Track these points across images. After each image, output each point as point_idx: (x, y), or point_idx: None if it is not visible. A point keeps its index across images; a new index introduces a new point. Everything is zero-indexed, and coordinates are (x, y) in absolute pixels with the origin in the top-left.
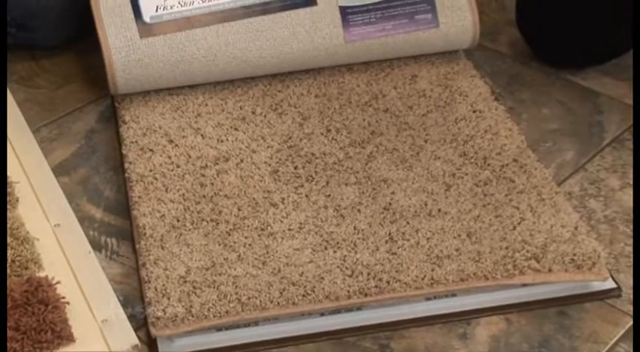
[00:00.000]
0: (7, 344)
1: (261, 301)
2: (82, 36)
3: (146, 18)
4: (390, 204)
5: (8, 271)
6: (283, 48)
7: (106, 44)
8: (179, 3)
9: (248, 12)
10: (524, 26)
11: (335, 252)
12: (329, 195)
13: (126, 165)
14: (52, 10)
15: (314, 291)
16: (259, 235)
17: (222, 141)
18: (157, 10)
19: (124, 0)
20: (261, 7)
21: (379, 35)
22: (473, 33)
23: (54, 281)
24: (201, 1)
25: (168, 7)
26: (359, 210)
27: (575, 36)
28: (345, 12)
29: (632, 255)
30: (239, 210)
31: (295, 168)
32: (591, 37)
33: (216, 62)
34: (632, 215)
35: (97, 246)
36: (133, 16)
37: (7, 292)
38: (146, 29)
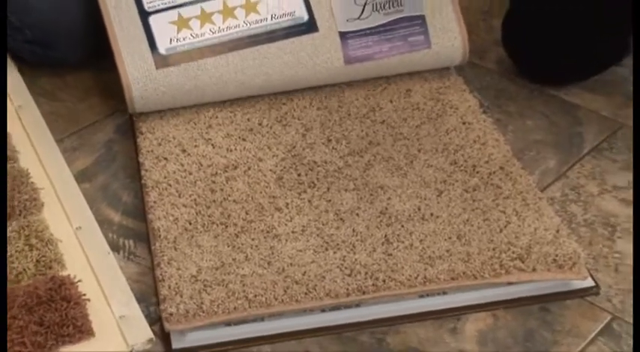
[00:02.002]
0: (32, 338)
1: (266, 298)
2: (101, 54)
3: (161, 50)
4: (386, 208)
5: (34, 270)
6: (288, 72)
7: (124, 75)
8: (191, 35)
9: (255, 41)
10: (509, 46)
11: (335, 252)
12: (329, 200)
13: (142, 173)
14: (74, 31)
15: (315, 289)
16: (265, 237)
17: (231, 150)
18: (170, 42)
19: (139, 33)
20: (267, 36)
21: (376, 57)
22: (462, 51)
23: (76, 280)
24: (211, 33)
25: (181, 39)
26: (357, 214)
27: (556, 55)
28: (344, 37)
29: (609, 256)
30: (246, 213)
31: (298, 175)
32: (572, 56)
33: (227, 88)
34: (609, 218)
35: (115, 247)
36: (149, 48)
37: (32, 290)
38: (161, 60)
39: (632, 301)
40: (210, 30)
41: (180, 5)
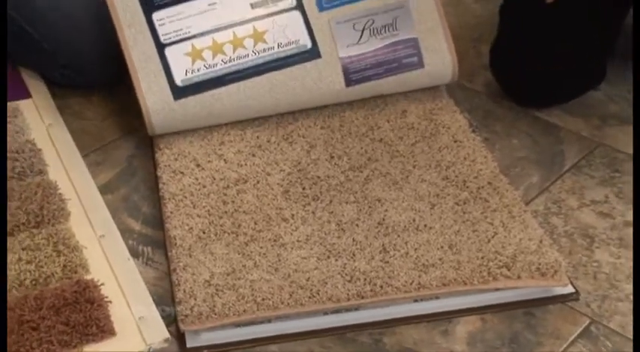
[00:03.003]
0: (59, 337)
1: (273, 302)
2: (124, 77)
3: (178, 81)
4: (383, 219)
5: (61, 274)
6: (294, 96)
7: (144, 105)
8: (204, 66)
9: (263, 69)
10: (496, 70)
11: (336, 260)
12: (332, 212)
13: (160, 185)
14: (100, 58)
15: (318, 294)
16: (272, 246)
17: (241, 165)
18: (186, 74)
19: (157, 66)
20: (275, 64)
21: (374, 78)
22: (452, 70)
23: (99, 283)
24: (222, 63)
25: (196, 70)
26: (357, 225)
27: (540, 80)
28: (344, 61)
29: (588, 264)
30: (255, 224)
31: (303, 188)
32: (554, 81)
33: (239, 112)
34: (588, 230)
35: (135, 254)
36: (166, 80)
37: (60, 292)
38: (179, 92)
39: (609, 306)
40: (222, 60)
41: (194, 36)
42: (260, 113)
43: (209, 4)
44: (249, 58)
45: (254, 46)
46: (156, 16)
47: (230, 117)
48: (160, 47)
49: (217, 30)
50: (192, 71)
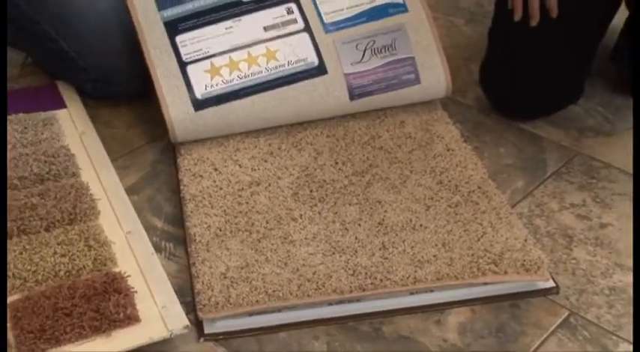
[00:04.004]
0: (90, 323)
1: (283, 293)
2: (149, 90)
3: (198, 95)
4: (383, 220)
5: (92, 266)
6: (303, 108)
7: (168, 116)
8: (222, 81)
9: (275, 84)
10: (486, 86)
11: (340, 256)
12: (336, 213)
13: (181, 187)
14: (129, 72)
15: (324, 286)
16: (282, 242)
17: (255, 169)
18: (205, 88)
19: (180, 81)
20: (286, 79)
21: (375, 93)
22: (446, 85)
23: (125, 275)
24: (238, 78)
25: (214, 85)
26: (359, 225)
27: (525, 95)
28: (348, 77)
29: (567, 262)
30: (267, 222)
31: (311, 191)
32: (537, 97)
33: (252, 123)
34: (567, 231)
35: (158, 249)
36: (187, 94)
37: (90, 283)
38: (199, 104)
39: (586, 299)
40: (238, 76)
41: (213, 55)
42: (271, 124)
43: (226, 28)
44: (263, 75)
45: (267, 64)
46: (179, 38)
47: (244, 127)
48: (182, 65)
49: (234, 50)
50: (211, 86)
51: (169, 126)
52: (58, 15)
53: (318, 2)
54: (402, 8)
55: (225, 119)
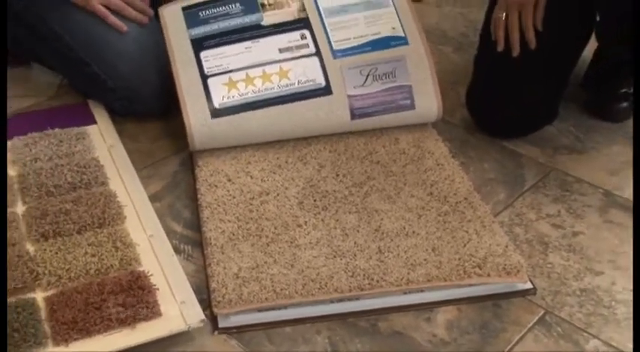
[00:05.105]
0: (117, 316)
1: (289, 292)
2: (170, 106)
3: (215, 104)
4: (379, 227)
5: (118, 266)
6: (308, 123)
7: (187, 121)
8: (238, 94)
9: (285, 99)
10: (471, 109)
11: (341, 259)
12: (337, 220)
13: (198, 196)
14: (153, 92)
15: (326, 286)
16: (289, 246)
17: (264, 180)
18: (222, 99)
19: (201, 92)
20: (295, 96)
21: (374, 114)
22: (437, 112)
23: (149, 274)
24: (252, 92)
25: (231, 97)
26: (358, 231)
27: (506, 117)
28: (351, 98)
29: (543, 266)
30: (275, 228)
31: (315, 200)
32: (517, 119)
33: (262, 134)
34: (544, 238)
35: (177, 251)
36: (206, 102)
37: (117, 280)
38: (216, 112)
39: (560, 300)
40: (252, 90)
41: (231, 71)
42: (279, 136)
43: (245, 48)
44: (275, 91)
45: (279, 81)
46: (203, 54)
47: (255, 136)
48: (204, 78)
49: (251, 67)
50: (228, 97)
51: (188, 131)
52: (92, 46)
53: (329, 31)
54: (402, 41)
55: (238, 128)
